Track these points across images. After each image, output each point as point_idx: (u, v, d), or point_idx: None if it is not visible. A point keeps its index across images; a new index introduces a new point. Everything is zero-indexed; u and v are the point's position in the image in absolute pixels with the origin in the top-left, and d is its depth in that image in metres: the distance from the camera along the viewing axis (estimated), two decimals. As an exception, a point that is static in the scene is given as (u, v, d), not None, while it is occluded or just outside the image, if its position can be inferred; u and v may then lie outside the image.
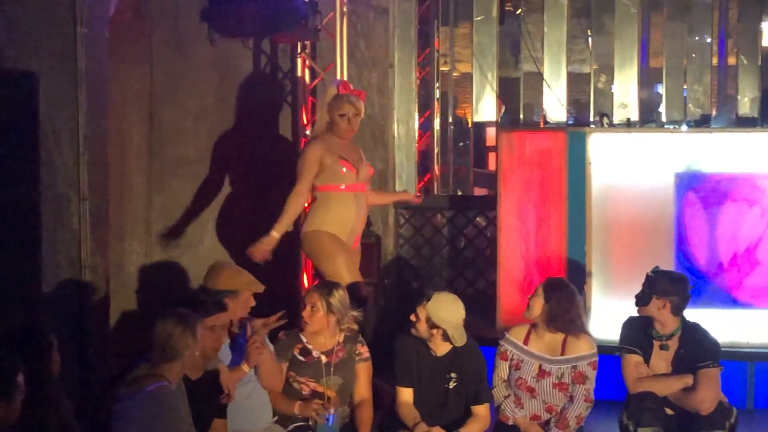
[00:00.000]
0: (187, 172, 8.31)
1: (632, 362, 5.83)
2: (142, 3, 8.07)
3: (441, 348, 5.73)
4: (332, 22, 7.50)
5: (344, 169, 6.60)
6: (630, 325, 5.97)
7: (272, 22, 7.11)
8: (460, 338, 5.69)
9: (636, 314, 5.92)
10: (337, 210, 6.61)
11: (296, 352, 5.88)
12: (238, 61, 8.24)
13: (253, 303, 5.69)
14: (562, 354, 5.77)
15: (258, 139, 8.29)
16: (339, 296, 5.87)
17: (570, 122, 9.27)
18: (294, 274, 7.58)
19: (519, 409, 5.79)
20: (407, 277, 8.90)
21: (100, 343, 6.55)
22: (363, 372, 5.92)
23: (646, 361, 5.86)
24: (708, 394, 5.63)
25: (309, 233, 6.62)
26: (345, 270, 6.52)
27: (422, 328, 5.68)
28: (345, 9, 7.51)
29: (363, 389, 5.91)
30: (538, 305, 5.81)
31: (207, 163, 8.31)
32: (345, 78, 7.50)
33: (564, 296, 5.80)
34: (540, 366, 5.78)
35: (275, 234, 6.54)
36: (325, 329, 5.87)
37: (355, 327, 5.94)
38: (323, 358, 5.86)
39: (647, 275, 5.85)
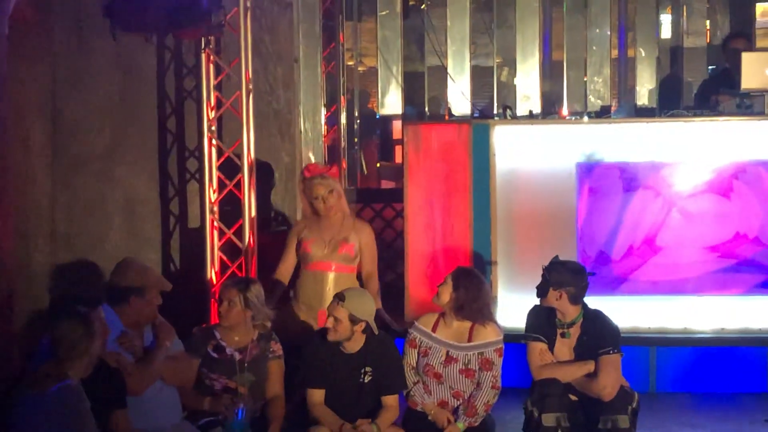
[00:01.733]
0: (91, 169, 8.23)
1: (537, 350, 5.93)
2: (42, -1, 7.97)
3: (356, 344, 5.78)
4: (236, 17, 7.48)
5: (302, 249, 6.66)
6: (534, 313, 6.07)
7: (175, 17, 7.07)
8: (376, 326, 5.79)
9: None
10: (299, 287, 6.69)
11: (210, 349, 5.89)
12: (142, 57, 8.17)
13: (159, 301, 5.67)
14: (469, 341, 5.87)
15: (163, 134, 8.25)
16: (256, 291, 5.93)
17: (475, 115, 9.39)
18: (202, 271, 7.55)
19: (427, 396, 5.87)
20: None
21: (4, 344, 6.46)
22: (275, 369, 5.96)
23: (551, 348, 5.96)
24: (609, 380, 5.74)
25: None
26: None
27: (344, 328, 5.72)
28: (249, 4, 7.48)
29: (276, 386, 5.94)
30: (446, 293, 5.90)
31: (112, 160, 8.23)
32: (250, 73, 7.49)
33: (472, 285, 5.90)
34: (447, 352, 5.87)
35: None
36: (240, 325, 5.90)
37: (269, 324, 5.97)
38: (237, 356, 5.88)
39: (543, 267, 5.96)
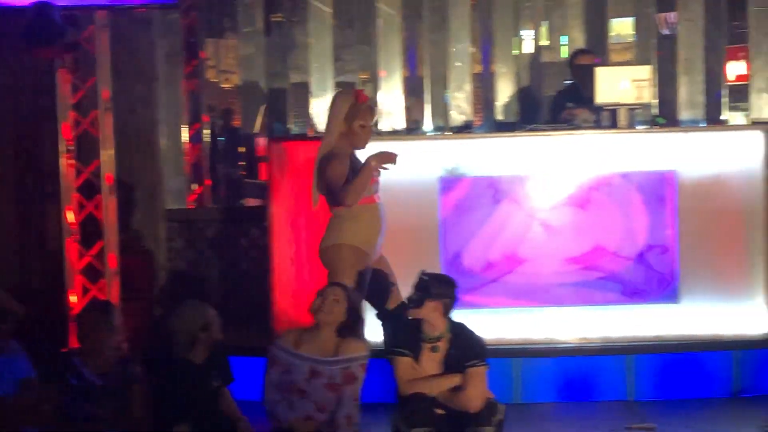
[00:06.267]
0: (-55, 191, 8.02)
1: (403, 364, 5.94)
2: None
3: (203, 354, 5.87)
4: (93, 36, 7.35)
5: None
6: (400, 328, 6.09)
7: (30, 36, 6.91)
8: None
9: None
10: (366, 222, 6.41)
11: (70, 376, 5.79)
12: (-3, 76, 8.01)
13: (9, 325, 5.56)
14: (334, 355, 5.86)
15: (19, 155, 8.07)
16: (116, 313, 5.99)
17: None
18: (62, 292, 7.40)
19: (291, 412, 5.84)
20: (181, 292, 8.80)
21: None
22: (138, 394, 5.89)
23: (418, 362, 5.98)
24: (475, 392, 5.79)
25: (332, 247, 6.40)
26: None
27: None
28: (105, 21, 7.37)
29: (138, 410, 5.87)
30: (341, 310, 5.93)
31: (-35, 181, 8.04)
32: (108, 91, 7.38)
33: (350, 301, 5.94)
34: (311, 368, 5.84)
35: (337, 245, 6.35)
36: (103, 350, 5.83)
37: (125, 347, 5.92)
38: (98, 382, 5.80)
39: (421, 278, 5.97)
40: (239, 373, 6.14)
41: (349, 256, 6.35)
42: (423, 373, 5.92)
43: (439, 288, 5.89)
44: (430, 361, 5.94)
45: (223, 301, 8.71)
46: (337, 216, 6.44)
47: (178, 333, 5.75)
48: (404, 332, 6.01)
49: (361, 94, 6.56)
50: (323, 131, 6.58)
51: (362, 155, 6.47)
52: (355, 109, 6.44)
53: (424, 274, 5.98)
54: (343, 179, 6.31)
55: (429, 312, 5.88)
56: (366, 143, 6.52)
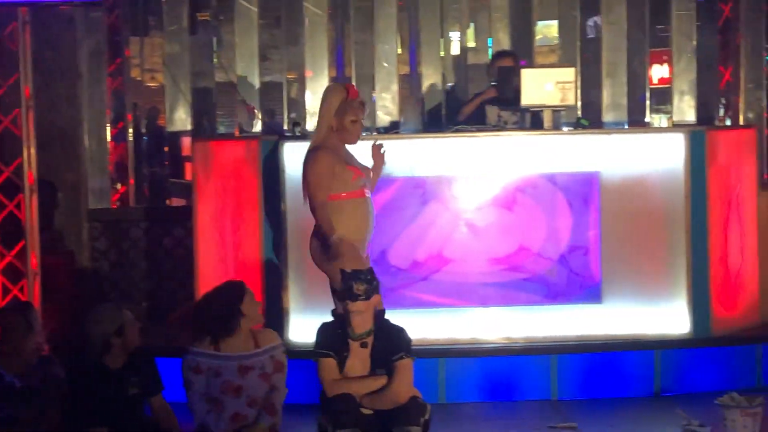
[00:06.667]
0: None
1: (328, 365, 5.94)
2: None
3: (120, 359, 5.76)
4: (15, 33, 7.25)
5: (354, 175, 6.43)
6: (325, 329, 6.09)
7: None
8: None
9: (328, 319, 6.05)
10: (353, 217, 6.42)
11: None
12: None
13: None
14: (256, 348, 5.86)
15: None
16: (35, 314, 5.92)
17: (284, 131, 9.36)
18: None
19: (222, 420, 5.80)
20: (105, 293, 8.73)
21: None
22: (58, 395, 5.81)
23: (344, 362, 5.98)
24: (403, 385, 5.81)
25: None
26: None
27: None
28: (27, 18, 7.27)
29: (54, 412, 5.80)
30: None
31: None
32: (30, 89, 7.28)
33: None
34: (239, 365, 5.82)
35: (335, 238, 6.35)
36: (21, 351, 5.77)
37: (45, 348, 5.85)
38: (17, 383, 5.72)
39: (370, 270, 5.96)
40: (166, 375, 6.08)
41: (345, 249, 6.38)
42: (353, 370, 5.91)
43: (375, 281, 5.93)
44: (357, 359, 5.94)
45: (146, 300, 8.66)
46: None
47: (91, 336, 5.68)
48: (332, 334, 6.00)
49: (352, 89, 6.60)
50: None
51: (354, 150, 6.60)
52: (347, 105, 6.50)
53: (368, 269, 6.00)
54: (322, 186, 6.39)
55: (370, 305, 5.90)
56: (357, 138, 6.59)
